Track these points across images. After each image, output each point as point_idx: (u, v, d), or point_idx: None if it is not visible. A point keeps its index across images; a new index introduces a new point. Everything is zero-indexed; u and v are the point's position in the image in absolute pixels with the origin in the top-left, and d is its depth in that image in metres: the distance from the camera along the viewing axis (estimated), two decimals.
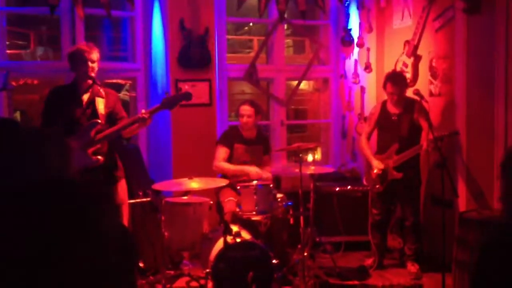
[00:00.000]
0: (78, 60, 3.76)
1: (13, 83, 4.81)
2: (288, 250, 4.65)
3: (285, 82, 6.22)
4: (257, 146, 4.83)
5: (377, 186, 4.74)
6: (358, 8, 5.84)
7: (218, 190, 4.62)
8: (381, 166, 4.66)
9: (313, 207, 4.58)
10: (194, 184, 3.91)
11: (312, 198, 4.59)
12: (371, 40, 5.74)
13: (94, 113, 3.79)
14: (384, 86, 4.71)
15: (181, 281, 4.25)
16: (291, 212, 4.38)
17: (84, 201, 1.38)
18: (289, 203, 4.38)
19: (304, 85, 8.20)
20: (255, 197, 4.19)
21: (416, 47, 5.12)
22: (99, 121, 3.74)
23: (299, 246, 4.42)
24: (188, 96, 3.82)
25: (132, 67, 5.62)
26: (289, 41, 10.90)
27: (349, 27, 5.97)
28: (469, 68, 4.49)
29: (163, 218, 4.01)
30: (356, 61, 5.96)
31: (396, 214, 4.97)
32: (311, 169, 4.63)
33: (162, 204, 4.05)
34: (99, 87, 3.83)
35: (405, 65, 5.22)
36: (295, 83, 6.30)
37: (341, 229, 5.07)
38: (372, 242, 4.89)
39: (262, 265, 3.76)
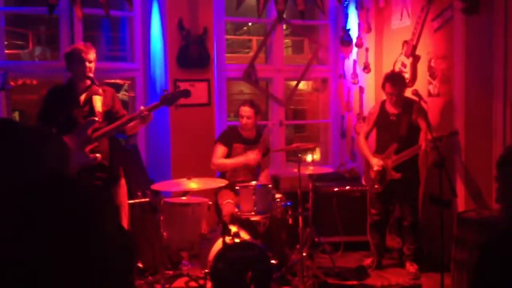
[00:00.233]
0: (75, 60, 3.76)
1: (12, 83, 4.80)
2: (287, 250, 4.64)
3: (284, 82, 6.22)
4: (255, 147, 4.83)
5: (376, 186, 4.74)
6: (357, 8, 5.85)
7: (216, 191, 4.62)
8: (381, 163, 4.67)
9: (312, 207, 4.58)
10: (193, 184, 3.91)
11: (311, 198, 4.59)
12: (370, 40, 5.74)
13: (91, 111, 3.79)
14: (383, 87, 4.72)
15: (180, 281, 4.25)
16: (290, 212, 4.38)
17: (84, 201, 1.38)
18: (288, 203, 4.38)
19: (303, 85, 8.21)
20: (254, 197, 4.19)
21: (414, 47, 5.12)
22: (96, 119, 3.74)
23: (298, 246, 4.42)
24: (186, 93, 3.82)
25: (131, 67, 5.61)
26: (288, 41, 10.91)
27: (348, 27, 5.98)
28: (467, 68, 4.49)
29: (162, 218, 4.01)
30: (355, 61, 5.96)
31: (395, 214, 4.98)
32: (310, 169, 4.63)
33: (161, 205, 4.05)
34: (98, 87, 3.83)
35: (404, 65, 5.22)
36: (294, 83, 6.30)
37: (340, 229, 5.07)
38: (371, 242, 4.90)
39: (261, 265, 3.76)
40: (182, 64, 5.34)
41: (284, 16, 5.96)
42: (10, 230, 1.25)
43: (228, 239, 3.82)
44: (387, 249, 5.06)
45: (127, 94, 6.14)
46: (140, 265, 4.42)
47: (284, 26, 6.44)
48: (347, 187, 5.38)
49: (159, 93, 5.33)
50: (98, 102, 3.82)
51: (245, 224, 4.25)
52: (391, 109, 4.74)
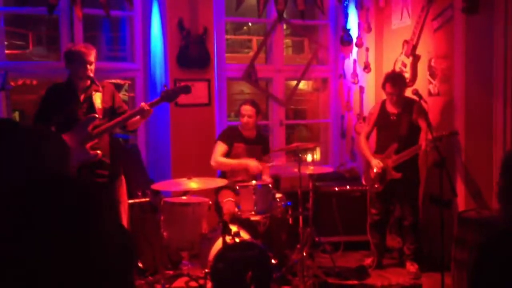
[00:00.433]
0: (76, 62, 3.77)
1: (12, 83, 4.80)
2: (287, 250, 4.64)
3: (284, 82, 6.22)
4: (257, 146, 4.83)
5: (376, 186, 4.74)
6: (357, 7, 5.85)
7: (217, 191, 4.62)
8: (381, 165, 4.67)
9: (312, 207, 4.58)
10: (193, 184, 3.91)
11: (311, 198, 4.59)
12: (370, 40, 5.74)
13: (91, 108, 3.79)
14: (383, 86, 4.71)
15: (180, 281, 4.25)
16: (290, 212, 4.38)
17: (84, 200, 1.38)
18: (288, 203, 4.38)
19: (303, 85, 8.20)
20: (254, 197, 4.18)
21: (415, 47, 5.12)
22: (97, 115, 3.74)
23: (298, 246, 4.42)
24: (187, 89, 3.83)
25: (131, 67, 5.61)
26: (288, 41, 10.91)
27: (348, 27, 5.98)
28: (468, 68, 4.49)
29: (162, 218, 4.01)
30: (355, 61, 5.96)
31: (395, 214, 4.98)
32: (310, 169, 4.63)
33: (161, 204, 4.05)
34: (98, 87, 3.84)
35: (404, 65, 5.22)
36: (294, 83, 6.30)
37: (340, 229, 5.07)
38: (371, 242, 4.89)
39: (261, 265, 3.76)
40: (182, 64, 5.34)
41: (284, 16, 5.96)
42: (10, 230, 1.25)
43: (228, 239, 3.81)
44: (388, 248, 5.06)
45: (127, 94, 6.14)
46: (140, 265, 4.42)
47: (284, 26, 6.44)
48: (347, 187, 5.38)
49: (159, 93, 5.33)
50: (97, 99, 3.83)
51: (245, 223, 4.25)
52: (391, 109, 4.74)
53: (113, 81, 5.58)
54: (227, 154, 4.72)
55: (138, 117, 3.80)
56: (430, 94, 4.90)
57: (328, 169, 5.38)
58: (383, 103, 4.83)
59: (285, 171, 5.43)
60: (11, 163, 1.37)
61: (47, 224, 1.27)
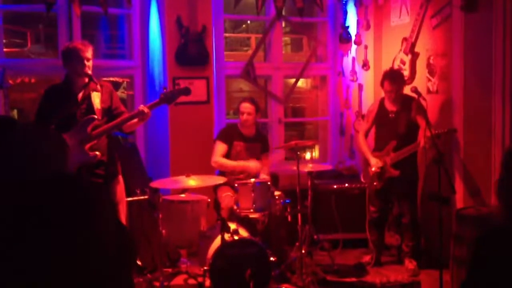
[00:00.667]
0: (73, 59, 3.76)
1: (10, 82, 4.79)
2: (285, 248, 4.65)
3: (283, 79, 6.22)
4: (256, 144, 4.83)
5: (375, 183, 4.74)
6: (355, 5, 5.84)
7: (216, 188, 4.62)
8: (380, 164, 4.67)
9: (310, 205, 4.59)
10: (192, 182, 3.91)
11: (310, 196, 4.59)
12: (368, 38, 5.74)
13: (90, 108, 3.78)
14: (382, 84, 4.72)
15: (179, 279, 4.26)
16: (288, 209, 4.38)
17: (83, 199, 1.38)
18: (287, 201, 4.38)
19: (301, 82, 8.20)
20: (252, 194, 4.19)
21: (413, 45, 5.12)
22: (96, 116, 3.74)
23: (297, 243, 4.42)
24: (186, 91, 3.83)
25: (130, 64, 5.60)
26: (286, 39, 10.90)
27: (346, 24, 5.97)
28: (466, 66, 4.49)
29: (160, 216, 4.01)
30: (353, 58, 5.96)
31: (393, 211, 4.98)
32: (309, 167, 4.64)
33: (159, 202, 4.04)
34: (96, 85, 3.83)
35: (403, 62, 5.22)
36: (293, 80, 6.29)
37: (338, 227, 5.08)
38: (369, 239, 4.90)
39: (260, 262, 3.76)
40: (181, 61, 5.34)
41: (283, 13, 5.95)
42: (10, 230, 1.25)
43: (227, 236, 3.82)
44: (386, 246, 5.06)
45: (125, 92, 6.13)
46: (139, 262, 4.42)
47: (283, 24, 6.44)
48: (346, 185, 5.39)
49: (158, 91, 5.33)
50: (96, 99, 3.82)
51: (244, 221, 4.26)
52: (390, 106, 4.74)
53: (111, 79, 5.58)
54: (227, 153, 4.72)
55: (136, 119, 3.78)
56: (429, 91, 4.90)
57: (326, 167, 5.38)
58: (382, 101, 4.83)
59: (283, 169, 5.44)
60: (9, 161, 1.36)
61: (47, 223, 1.26)
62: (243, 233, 4.00)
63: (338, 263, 4.73)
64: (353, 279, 4.49)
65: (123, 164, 4.12)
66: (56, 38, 5.23)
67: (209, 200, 4.15)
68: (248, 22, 11.52)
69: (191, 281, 4.13)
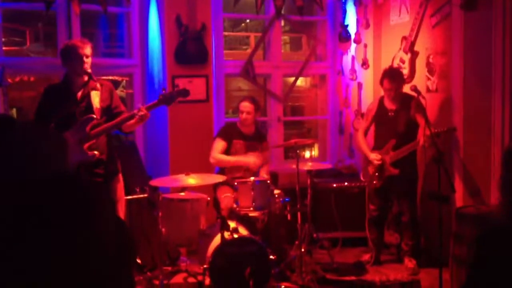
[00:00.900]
0: (72, 57, 3.75)
1: (9, 80, 4.78)
2: (285, 246, 4.66)
3: (282, 78, 6.22)
4: (256, 143, 4.83)
5: (374, 182, 4.75)
6: (355, 4, 5.84)
7: (215, 187, 4.62)
8: (379, 157, 4.67)
9: (310, 203, 4.59)
10: (191, 180, 3.90)
11: (310, 194, 4.59)
12: (368, 36, 5.74)
13: (89, 107, 3.78)
14: (381, 82, 4.72)
15: (179, 277, 4.25)
16: (288, 208, 4.39)
17: (83, 197, 1.37)
18: (287, 199, 4.38)
19: (301, 81, 8.20)
20: (252, 193, 4.19)
21: (413, 43, 5.12)
22: (94, 116, 3.73)
23: (296, 242, 4.42)
24: (185, 93, 3.82)
25: (129, 63, 5.60)
26: (286, 38, 10.88)
27: (346, 23, 5.97)
28: (466, 64, 4.49)
29: (160, 214, 4.01)
30: (353, 57, 5.96)
31: (393, 210, 4.98)
32: (309, 165, 4.64)
33: (159, 200, 4.04)
34: (95, 83, 3.82)
35: (402, 61, 5.22)
36: (292, 79, 6.29)
37: (338, 225, 5.08)
38: (369, 238, 4.90)
39: (260, 261, 3.76)
40: (180, 60, 5.34)
41: (282, 12, 5.94)
42: (10, 230, 1.24)
43: (226, 234, 3.82)
44: (386, 244, 5.07)
45: (125, 90, 6.12)
46: (138, 261, 4.42)
47: (282, 23, 6.43)
48: (346, 183, 5.39)
49: (157, 89, 5.32)
50: (96, 98, 3.81)
51: (243, 219, 4.26)
52: (389, 105, 4.74)
53: (110, 77, 5.57)
54: (226, 151, 4.72)
55: (134, 120, 3.76)
56: (428, 90, 4.90)
57: (326, 166, 5.39)
58: (381, 99, 4.83)
59: (283, 167, 5.44)
60: (9, 161, 1.36)
61: (47, 223, 1.26)
62: (243, 231, 4.00)
63: (337, 262, 4.73)
64: (353, 278, 4.50)
65: (123, 163, 4.12)
66: (55, 36, 5.22)
67: (208, 198, 4.15)
68: (248, 20, 11.51)
69: (191, 280, 4.13)
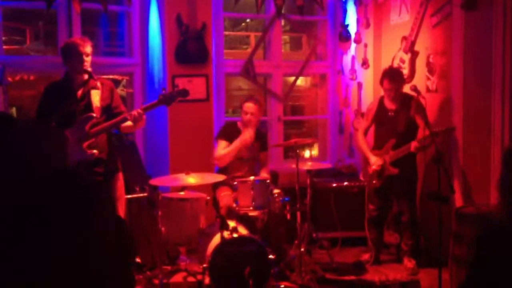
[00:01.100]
0: (72, 54, 3.75)
1: (9, 79, 4.78)
2: (285, 246, 4.65)
3: (282, 77, 6.22)
4: (255, 142, 4.82)
5: (374, 181, 4.75)
6: (355, 3, 5.84)
7: (215, 188, 4.62)
8: (380, 162, 4.67)
9: (310, 203, 4.59)
10: (191, 179, 3.90)
11: (309, 194, 4.60)
12: (368, 36, 5.74)
13: (89, 106, 3.78)
14: (381, 82, 4.72)
15: (178, 276, 4.26)
16: (288, 207, 4.38)
17: (83, 197, 1.37)
18: (286, 199, 4.38)
19: (301, 81, 8.20)
20: (252, 192, 4.19)
21: (413, 43, 5.12)
22: (94, 115, 3.73)
23: (296, 241, 4.42)
24: (185, 93, 3.82)
25: (129, 62, 5.60)
26: (286, 37, 10.87)
27: (346, 23, 5.97)
28: (466, 64, 4.49)
29: (160, 213, 4.01)
30: (353, 57, 5.96)
31: (392, 209, 4.98)
32: (308, 165, 4.64)
33: (159, 200, 4.04)
34: (96, 81, 3.82)
35: (402, 61, 5.22)
36: (292, 79, 6.29)
37: (338, 225, 5.08)
38: (368, 237, 4.90)
39: (259, 260, 3.76)
40: (180, 59, 5.34)
41: (283, 11, 5.94)
42: (10, 230, 1.24)
43: (226, 234, 3.82)
44: (385, 244, 5.07)
45: (125, 90, 6.12)
46: (138, 260, 4.42)
47: (283, 22, 6.43)
48: (345, 183, 5.39)
49: (157, 89, 5.32)
50: (96, 97, 3.81)
51: (243, 219, 4.25)
52: (389, 104, 4.74)
53: (110, 76, 5.57)
54: None
55: (130, 122, 3.75)
56: (428, 90, 4.90)
57: (326, 165, 5.39)
58: (381, 99, 4.83)
59: (283, 167, 5.44)
60: (9, 161, 1.36)
61: (47, 223, 1.26)
62: (242, 230, 4.00)
63: (337, 261, 4.74)
64: (352, 277, 4.50)
65: (122, 162, 4.12)
66: (55, 35, 5.22)
67: (208, 197, 4.15)
68: (248, 20, 11.51)
69: (191, 279, 4.13)
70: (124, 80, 6.12)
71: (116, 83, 6.57)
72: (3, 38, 5.30)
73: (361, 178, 5.00)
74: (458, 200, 4.53)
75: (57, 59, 4.07)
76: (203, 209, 4.08)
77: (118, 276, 1.40)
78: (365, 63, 5.74)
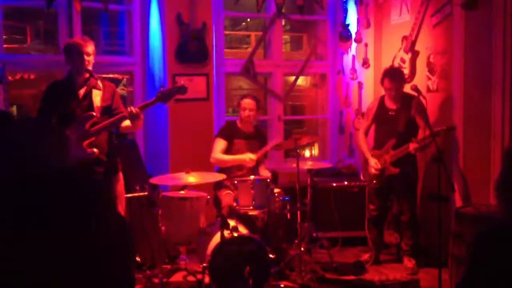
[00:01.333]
0: (74, 54, 3.76)
1: (10, 78, 4.78)
2: (285, 245, 4.65)
3: (283, 77, 6.21)
4: (255, 141, 4.82)
5: (374, 181, 4.75)
6: (356, 3, 5.83)
7: (215, 187, 4.62)
8: (378, 166, 4.67)
9: (310, 203, 4.59)
10: (191, 178, 3.90)
11: (309, 194, 4.60)
12: (369, 36, 5.73)
13: (90, 105, 3.78)
14: (382, 82, 4.71)
15: (178, 276, 4.26)
16: (288, 207, 4.39)
17: (83, 197, 1.37)
18: (286, 198, 4.38)
19: (301, 80, 8.20)
20: (252, 191, 4.19)
21: (414, 43, 5.11)
22: (94, 113, 3.73)
23: (296, 241, 4.42)
24: (183, 89, 3.80)
25: (129, 61, 5.60)
26: (286, 37, 10.89)
27: (347, 23, 5.96)
28: (466, 64, 4.49)
29: (160, 212, 4.01)
30: (354, 56, 5.95)
31: (393, 209, 4.98)
32: (309, 165, 4.64)
33: (159, 199, 4.05)
34: (96, 80, 3.83)
35: (403, 60, 5.22)
36: (292, 78, 6.29)
37: (338, 225, 5.08)
38: (368, 237, 4.90)
39: (259, 259, 3.76)
40: (180, 58, 5.33)
41: (283, 11, 5.94)
42: (10, 230, 1.24)
43: (226, 233, 3.82)
44: (385, 244, 5.07)
45: (125, 89, 6.13)
46: (138, 259, 4.42)
47: (283, 22, 6.43)
48: (345, 183, 5.39)
49: (157, 88, 5.32)
50: (97, 97, 3.82)
51: (243, 218, 4.26)
52: (390, 104, 4.74)
53: (110, 75, 5.57)
54: (227, 150, 4.72)
55: (129, 122, 3.74)
56: (428, 90, 4.90)
57: (326, 165, 5.38)
58: (382, 99, 4.83)
59: (283, 166, 5.43)
60: (9, 160, 1.35)
61: (47, 223, 1.26)
62: (243, 230, 4.00)
63: (337, 261, 4.73)
64: (352, 277, 4.50)
65: (123, 161, 4.12)
66: (56, 34, 5.22)
67: (208, 197, 4.15)
68: (248, 19, 11.51)
69: (190, 278, 4.14)
70: (125, 79, 6.13)
71: (117, 82, 6.59)
72: (4, 37, 5.30)
73: (361, 178, 5.00)
74: (458, 200, 4.53)
75: (57, 58, 4.08)
76: (203, 208, 4.08)
77: (118, 276, 1.40)
78: (365, 63, 5.74)
